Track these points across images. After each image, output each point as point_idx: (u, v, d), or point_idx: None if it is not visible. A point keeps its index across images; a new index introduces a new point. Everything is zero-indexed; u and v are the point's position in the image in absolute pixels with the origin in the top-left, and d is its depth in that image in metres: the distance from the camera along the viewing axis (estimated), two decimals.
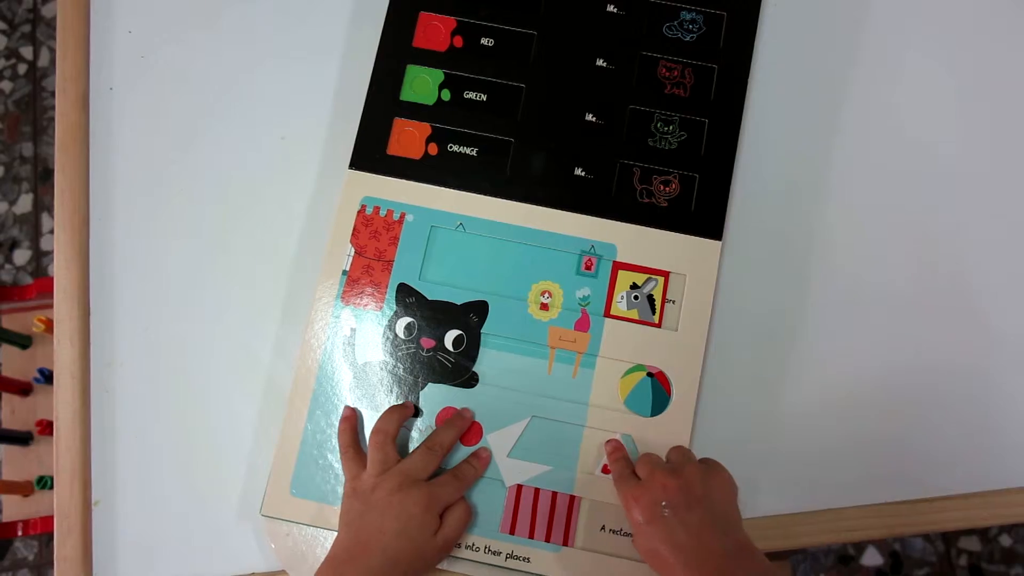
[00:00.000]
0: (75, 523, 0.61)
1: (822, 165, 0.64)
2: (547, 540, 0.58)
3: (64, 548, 0.61)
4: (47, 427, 1.16)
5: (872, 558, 1.34)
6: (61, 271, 0.64)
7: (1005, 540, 1.35)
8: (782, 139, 0.64)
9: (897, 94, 0.65)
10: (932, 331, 0.62)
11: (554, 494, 0.58)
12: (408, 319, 0.60)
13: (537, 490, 0.58)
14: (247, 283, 0.64)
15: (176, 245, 0.65)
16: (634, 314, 0.60)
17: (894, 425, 0.61)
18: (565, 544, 0.58)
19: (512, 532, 0.58)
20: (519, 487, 0.58)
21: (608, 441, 0.59)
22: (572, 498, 0.58)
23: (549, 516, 0.58)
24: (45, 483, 1.16)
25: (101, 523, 0.61)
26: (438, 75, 0.64)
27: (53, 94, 1.46)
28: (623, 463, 0.57)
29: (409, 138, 0.63)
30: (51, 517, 1.14)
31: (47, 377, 1.18)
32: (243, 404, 0.62)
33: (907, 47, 0.66)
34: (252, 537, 0.60)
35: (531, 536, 0.58)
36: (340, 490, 0.58)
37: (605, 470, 0.58)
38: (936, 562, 1.34)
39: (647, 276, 0.61)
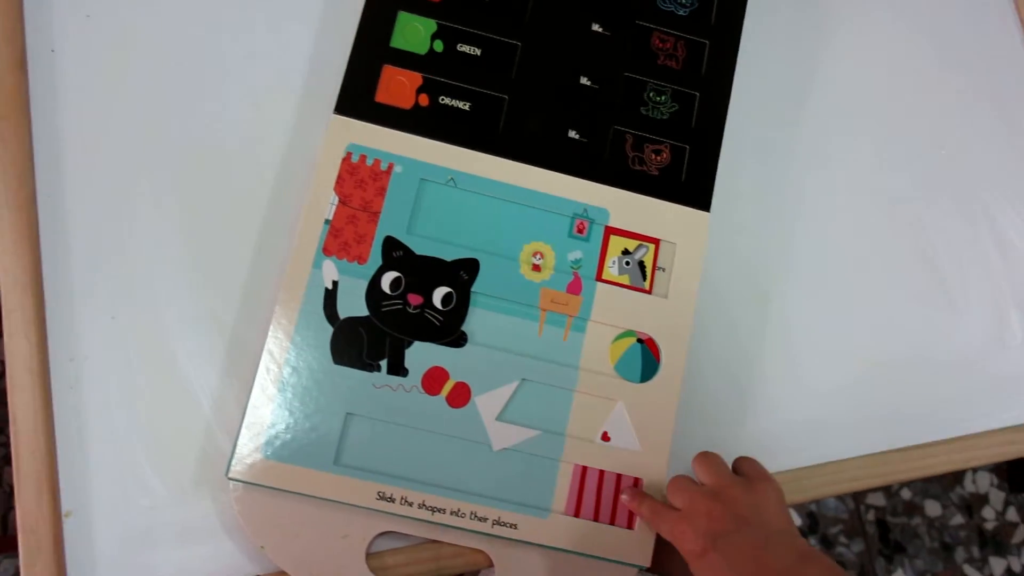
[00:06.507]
0: (44, 539, 0.53)
1: (803, 146, 0.67)
2: (587, 517, 0.57)
3: (33, 569, 0.53)
4: None
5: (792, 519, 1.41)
6: (8, 256, 0.56)
7: (906, 493, 1.46)
8: (766, 116, 0.66)
9: (875, 67, 0.70)
10: (902, 294, 0.67)
11: (541, 459, 0.57)
12: (395, 274, 0.57)
13: (526, 455, 0.56)
14: (221, 245, 0.59)
15: (139, 216, 0.59)
16: (625, 279, 0.60)
17: (877, 379, 0.65)
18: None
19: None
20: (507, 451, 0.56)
21: (623, 492, 0.57)
22: (560, 464, 0.57)
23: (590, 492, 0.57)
24: None
25: (74, 537, 0.54)
26: (431, 25, 0.61)
27: None
28: (650, 503, 0.56)
29: (399, 87, 0.60)
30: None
31: None
32: (228, 390, 0.57)
33: (886, 22, 0.72)
34: (240, 535, 0.55)
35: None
36: (311, 451, 0.54)
37: (605, 437, 0.57)
38: (848, 519, 1.42)
39: (638, 243, 0.60)
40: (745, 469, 0.56)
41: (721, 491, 0.53)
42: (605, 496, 0.57)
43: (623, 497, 0.57)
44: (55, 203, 0.58)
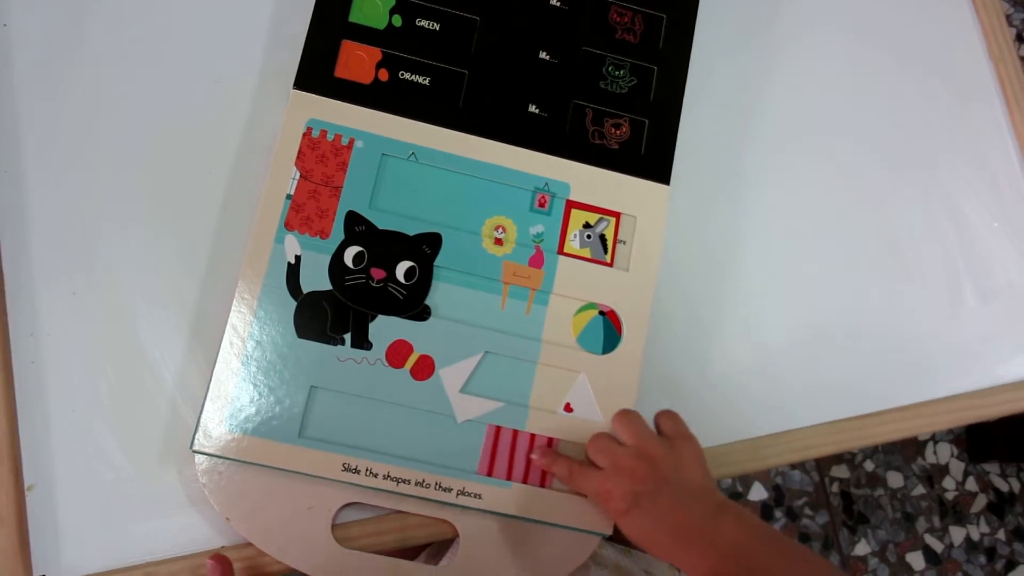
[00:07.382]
0: (8, 512, 0.53)
1: (762, 119, 0.68)
2: (499, 476, 0.57)
3: None
4: None
5: (758, 493, 1.43)
6: None
7: (869, 465, 1.49)
8: (725, 89, 0.67)
9: (836, 41, 0.72)
10: (857, 265, 0.69)
11: (505, 430, 0.57)
12: (357, 248, 0.57)
13: (489, 427, 0.57)
14: (182, 221, 0.59)
15: (99, 191, 0.59)
16: (587, 253, 0.60)
17: (834, 349, 0.66)
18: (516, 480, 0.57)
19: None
20: (471, 423, 0.57)
21: (533, 452, 0.57)
22: (523, 435, 0.58)
23: (503, 452, 0.57)
24: None
25: (38, 509, 0.54)
26: None
27: None
28: (567, 462, 0.56)
29: (358, 62, 0.60)
30: None
31: None
32: (192, 365, 0.57)
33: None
34: (206, 508, 0.55)
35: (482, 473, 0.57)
36: (275, 424, 0.55)
37: (568, 408, 0.58)
38: (812, 491, 1.45)
39: (599, 216, 0.61)
40: (665, 428, 0.57)
41: (643, 450, 0.54)
42: None
43: (533, 456, 0.57)
44: (13, 179, 0.58)
